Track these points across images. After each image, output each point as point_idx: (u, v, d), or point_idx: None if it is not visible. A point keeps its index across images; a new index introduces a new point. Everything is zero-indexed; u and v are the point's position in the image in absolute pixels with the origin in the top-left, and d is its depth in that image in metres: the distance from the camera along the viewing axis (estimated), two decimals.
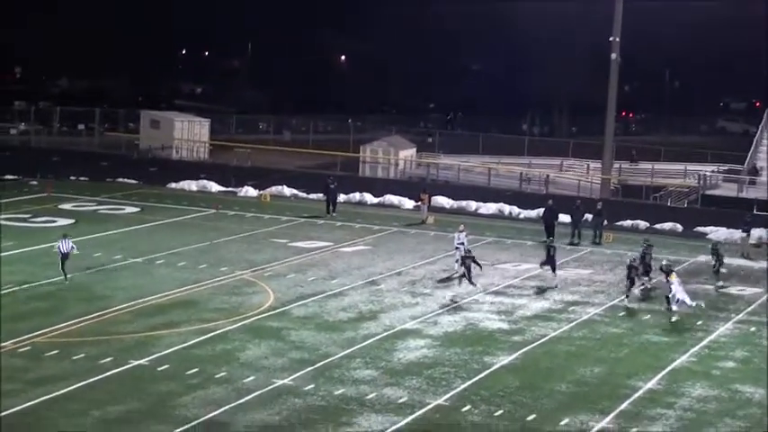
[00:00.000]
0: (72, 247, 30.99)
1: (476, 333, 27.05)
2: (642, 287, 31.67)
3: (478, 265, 31.55)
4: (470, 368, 23.99)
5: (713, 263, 33.73)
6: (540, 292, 31.33)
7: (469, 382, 22.95)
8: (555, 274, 32.33)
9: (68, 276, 30.60)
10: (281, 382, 22.33)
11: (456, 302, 29.71)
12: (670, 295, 29.29)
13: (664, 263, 30.77)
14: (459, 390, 22.49)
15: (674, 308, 29.17)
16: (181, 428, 19.54)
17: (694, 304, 29.42)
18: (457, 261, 32.99)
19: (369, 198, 47.62)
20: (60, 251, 30.76)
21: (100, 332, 25.87)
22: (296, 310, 28.33)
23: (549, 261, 32.49)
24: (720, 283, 33.10)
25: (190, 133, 59.26)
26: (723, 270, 33.82)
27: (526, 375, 23.73)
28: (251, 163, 54.44)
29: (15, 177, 48.39)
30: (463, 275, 31.15)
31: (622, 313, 29.52)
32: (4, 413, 19.81)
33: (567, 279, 33.04)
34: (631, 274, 30.93)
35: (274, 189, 48.39)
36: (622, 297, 30.76)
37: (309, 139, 63.44)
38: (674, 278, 29.67)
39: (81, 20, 78.96)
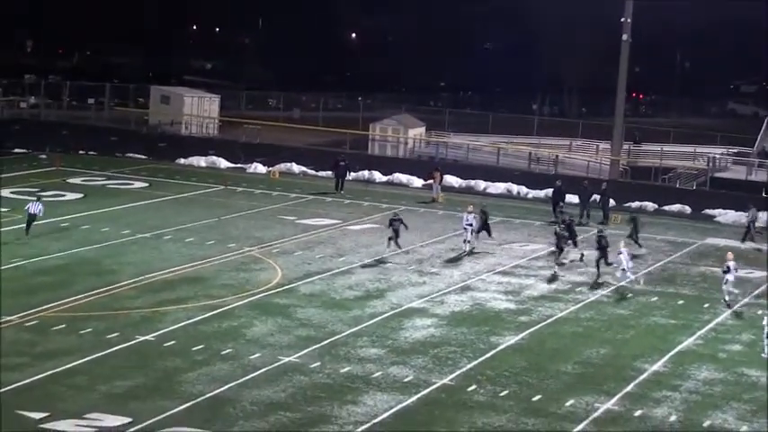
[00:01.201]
0: (40, 210, 32.32)
1: (482, 313, 27.04)
2: (571, 256, 32.42)
3: (406, 227, 32.36)
4: (477, 348, 23.98)
5: (630, 232, 34.42)
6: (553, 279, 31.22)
7: (476, 362, 22.95)
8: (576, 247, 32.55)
9: (28, 235, 31.80)
10: (286, 360, 22.33)
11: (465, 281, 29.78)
12: (622, 268, 29.72)
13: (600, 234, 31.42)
14: (465, 369, 22.48)
15: (630, 276, 29.61)
16: (186, 404, 19.54)
17: (633, 278, 29.79)
18: (465, 241, 33.12)
19: (378, 176, 47.55)
20: (29, 212, 32.13)
21: (107, 307, 25.88)
22: (303, 288, 28.31)
23: (571, 237, 32.65)
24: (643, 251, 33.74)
25: (199, 109, 59.10)
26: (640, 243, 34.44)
27: (532, 356, 23.72)
28: (260, 140, 54.24)
29: (25, 151, 48.38)
30: (391, 238, 31.89)
31: (630, 295, 29.43)
32: (11, 387, 19.84)
33: (574, 260, 32.96)
34: (560, 243, 31.68)
35: (283, 166, 48.30)
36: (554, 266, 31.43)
37: (319, 117, 63.18)
38: (622, 246, 30.22)
39: None
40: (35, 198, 33.90)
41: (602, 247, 30.72)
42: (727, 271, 29.02)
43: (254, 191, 42.54)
